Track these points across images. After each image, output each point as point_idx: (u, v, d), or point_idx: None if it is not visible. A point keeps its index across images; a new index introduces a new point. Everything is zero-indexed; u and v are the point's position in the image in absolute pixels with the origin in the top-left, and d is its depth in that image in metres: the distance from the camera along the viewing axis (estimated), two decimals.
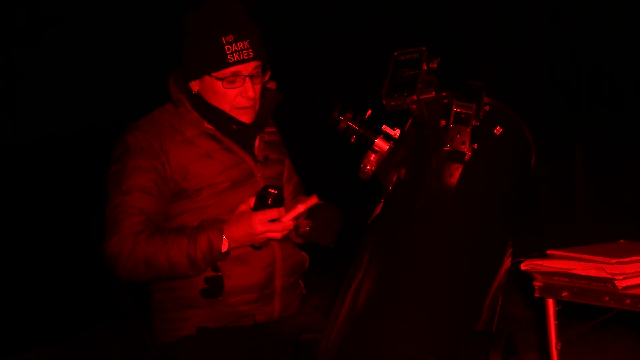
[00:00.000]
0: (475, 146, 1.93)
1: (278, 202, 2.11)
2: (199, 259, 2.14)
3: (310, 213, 2.29)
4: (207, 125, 2.31)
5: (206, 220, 2.18)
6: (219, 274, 2.24)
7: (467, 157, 1.92)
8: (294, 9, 11.76)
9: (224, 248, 2.14)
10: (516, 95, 8.58)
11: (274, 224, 2.11)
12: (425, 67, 1.84)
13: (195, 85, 2.31)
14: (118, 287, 2.32)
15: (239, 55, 2.22)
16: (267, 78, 2.33)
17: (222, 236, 2.13)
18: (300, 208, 2.14)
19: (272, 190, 2.11)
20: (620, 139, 10.85)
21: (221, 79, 2.24)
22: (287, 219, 2.13)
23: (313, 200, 2.16)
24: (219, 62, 2.22)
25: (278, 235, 2.14)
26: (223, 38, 2.21)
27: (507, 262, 1.97)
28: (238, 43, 2.22)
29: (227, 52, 2.21)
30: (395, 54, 1.92)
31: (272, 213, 2.11)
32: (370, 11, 12.18)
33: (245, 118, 2.32)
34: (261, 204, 2.11)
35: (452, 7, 9.33)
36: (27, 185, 12.05)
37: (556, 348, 2.30)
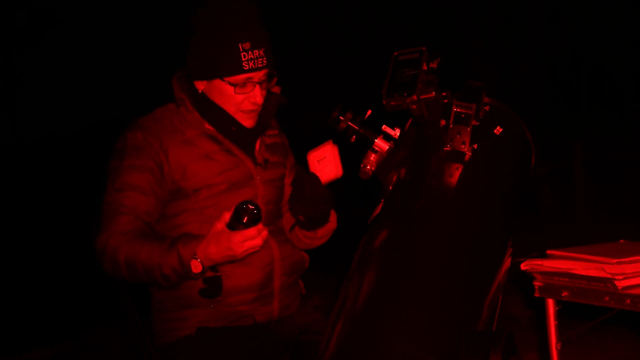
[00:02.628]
0: (475, 146, 1.93)
1: (254, 220, 2.03)
2: (169, 274, 2.13)
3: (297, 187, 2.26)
4: (208, 126, 2.31)
5: (183, 237, 2.15)
6: (218, 274, 2.24)
7: (467, 157, 1.93)
8: (294, 9, 11.76)
9: (198, 268, 2.11)
10: (516, 95, 8.58)
11: (253, 240, 2.05)
12: (425, 67, 1.84)
13: (200, 85, 2.31)
14: (118, 287, 2.32)
15: (254, 63, 2.23)
16: (273, 84, 2.35)
17: (194, 256, 2.10)
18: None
19: (250, 207, 2.02)
20: (620, 139, 10.86)
21: (234, 85, 2.25)
22: (265, 233, 2.08)
23: None
24: (235, 68, 2.22)
25: (258, 248, 2.09)
26: (240, 45, 2.21)
27: (507, 262, 1.97)
28: (254, 51, 2.22)
29: (243, 59, 2.22)
30: (395, 54, 1.93)
31: (251, 232, 2.03)
32: (370, 11, 12.19)
33: (248, 122, 2.33)
34: (237, 221, 2.03)
35: (452, 7, 9.34)
36: (27, 185, 12.06)
37: (556, 348, 2.30)
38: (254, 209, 2.01)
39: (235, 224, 2.03)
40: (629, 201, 8.90)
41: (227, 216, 2.05)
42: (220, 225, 2.06)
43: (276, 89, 2.43)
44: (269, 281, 2.33)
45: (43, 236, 8.82)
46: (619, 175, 9.82)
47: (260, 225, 2.05)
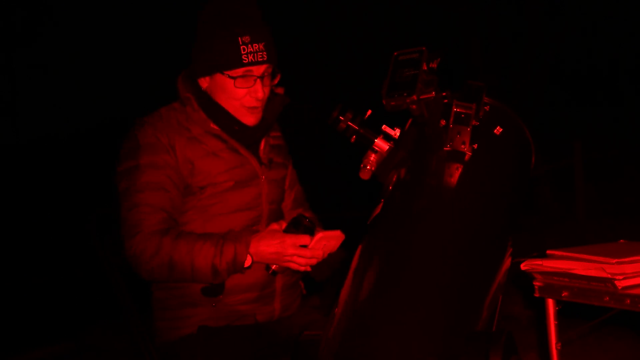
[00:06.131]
0: (475, 146, 1.93)
1: (310, 230, 2.18)
2: (223, 270, 2.17)
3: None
4: (213, 126, 2.32)
5: (233, 232, 2.21)
6: None
7: (467, 157, 1.93)
8: (294, 9, 11.76)
9: (248, 262, 2.17)
10: (516, 95, 8.59)
11: (303, 249, 2.17)
12: (425, 67, 1.84)
13: (204, 82, 2.32)
14: (118, 287, 2.31)
15: (253, 56, 2.24)
16: (276, 82, 2.36)
17: (248, 250, 2.16)
18: (320, 235, 2.21)
19: (307, 215, 2.23)
20: (620, 139, 10.86)
21: (233, 78, 2.26)
22: (315, 247, 2.19)
23: (336, 233, 2.23)
24: (233, 61, 2.24)
25: (303, 262, 2.20)
26: (240, 38, 2.24)
27: (507, 262, 1.97)
28: (254, 44, 2.25)
29: (243, 52, 2.24)
30: (395, 54, 1.93)
31: (305, 239, 2.16)
32: (370, 11, 12.19)
33: (250, 120, 2.33)
34: (293, 228, 2.18)
35: (452, 7, 9.34)
36: (27, 185, 12.06)
37: (556, 348, 2.29)
38: (310, 222, 2.19)
39: (291, 230, 2.19)
40: (629, 201, 8.90)
41: (282, 224, 2.22)
42: (276, 226, 2.21)
43: (279, 90, 2.44)
44: (270, 281, 2.33)
45: (43, 236, 8.82)
46: (619, 175, 9.82)
47: (316, 237, 2.18)
